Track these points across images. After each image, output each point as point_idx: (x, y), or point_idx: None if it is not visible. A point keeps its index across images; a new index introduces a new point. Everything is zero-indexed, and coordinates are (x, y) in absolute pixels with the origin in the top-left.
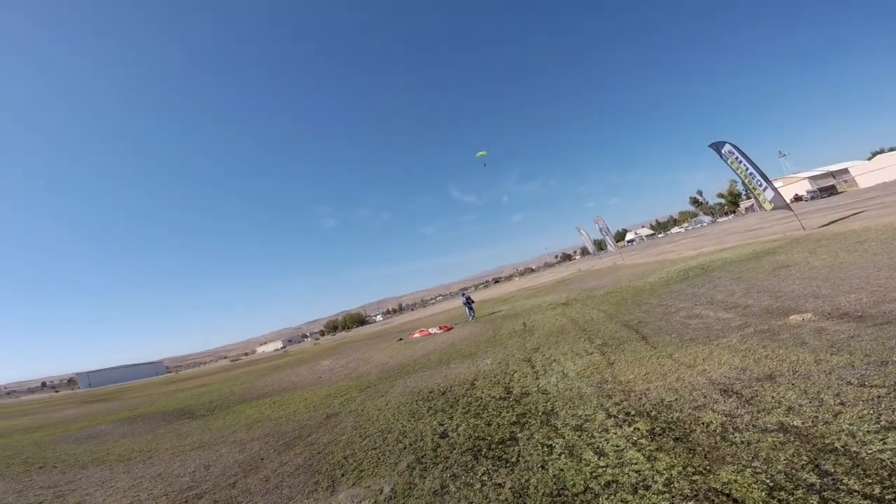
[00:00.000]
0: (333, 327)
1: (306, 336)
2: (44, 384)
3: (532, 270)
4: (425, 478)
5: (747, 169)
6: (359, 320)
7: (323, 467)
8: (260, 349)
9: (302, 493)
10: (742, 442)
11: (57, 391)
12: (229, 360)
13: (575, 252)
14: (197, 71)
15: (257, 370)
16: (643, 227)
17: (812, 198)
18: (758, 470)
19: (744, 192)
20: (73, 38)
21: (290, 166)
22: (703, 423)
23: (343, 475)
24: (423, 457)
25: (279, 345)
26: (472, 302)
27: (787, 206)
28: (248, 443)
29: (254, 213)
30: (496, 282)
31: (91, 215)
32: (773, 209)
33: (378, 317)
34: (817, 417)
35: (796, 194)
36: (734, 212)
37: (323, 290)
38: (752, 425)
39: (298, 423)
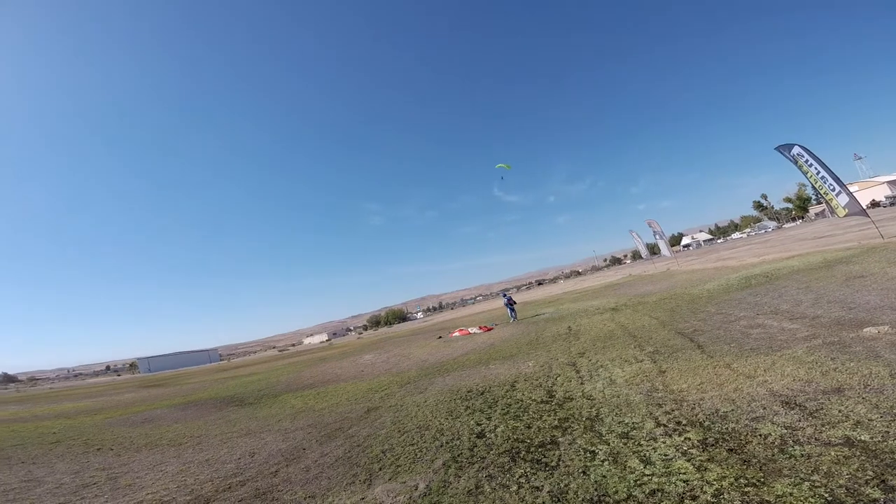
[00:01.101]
0: (376, 322)
1: (350, 330)
2: (108, 367)
3: (578, 273)
4: (460, 477)
5: (818, 172)
6: (400, 317)
7: (361, 460)
8: (307, 340)
9: (340, 485)
10: (802, 455)
11: (119, 375)
12: (278, 350)
13: (625, 256)
14: (282, 69)
15: (303, 361)
16: (701, 231)
17: (891, 203)
18: (816, 484)
19: (814, 197)
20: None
21: (345, 163)
22: (760, 435)
23: (380, 469)
24: (459, 455)
25: (325, 337)
26: (514, 303)
27: (864, 213)
28: (291, 432)
29: (309, 208)
30: (539, 284)
31: (155, 215)
32: (847, 215)
33: (418, 314)
34: (888, 432)
35: (873, 200)
36: (802, 217)
37: (367, 285)
38: (815, 438)
39: (340, 416)
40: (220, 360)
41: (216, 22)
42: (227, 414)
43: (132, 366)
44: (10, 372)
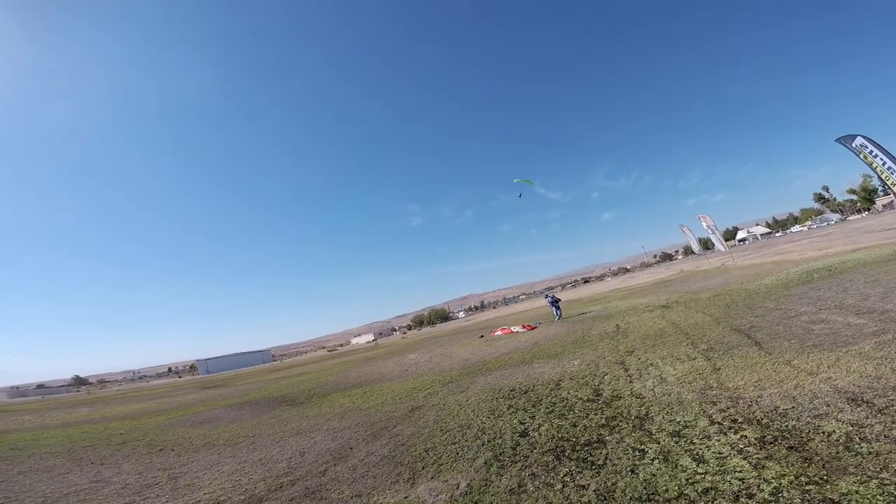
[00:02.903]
0: (419, 322)
1: (395, 330)
2: (169, 370)
3: (626, 270)
4: (503, 475)
5: (884, 163)
6: (442, 316)
7: (405, 459)
8: (354, 341)
9: (385, 484)
10: (870, 452)
11: (180, 376)
12: (327, 350)
13: (676, 252)
14: (323, 74)
15: (351, 361)
16: (757, 224)
17: None
18: (886, 481)
19: (881, 188)
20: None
21: (387, 164)
22: (823, 433)
23: (423, 468)
24: (501, 454)
25: (371, 337)
26: (559, 301)
27: None
28: (339, 431)
29: (355, 212)
30: (586, 282)
31: (215, 219)
32: None
33: (460, 313)
34: None
35: None
36: (868, 209)
37: (409, 285)
38: (884, 436)
39: (385, 415)
40: (274, 360)
41: (257, 23)
42: (279, 413)
43: (192, 367)
44: (82, 374)
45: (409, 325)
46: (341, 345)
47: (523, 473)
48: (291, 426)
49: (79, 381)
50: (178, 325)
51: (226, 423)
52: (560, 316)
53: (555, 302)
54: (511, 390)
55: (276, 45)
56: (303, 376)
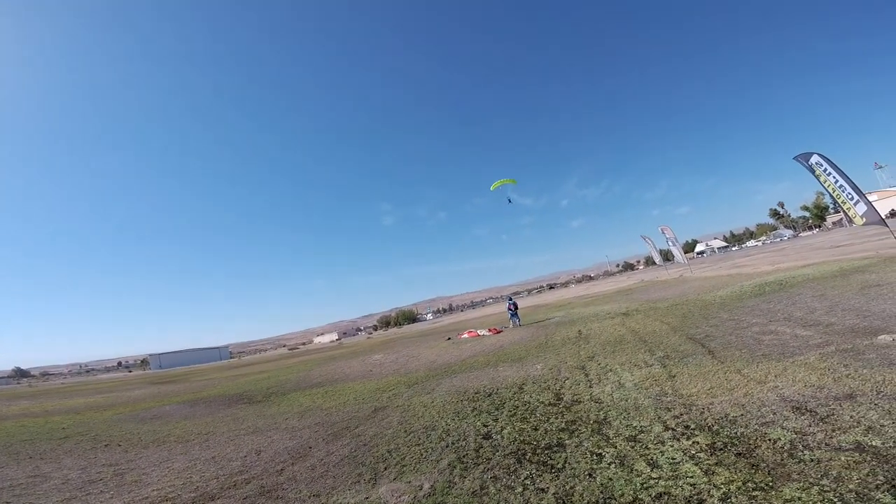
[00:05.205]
0: (386, 323)
1: (360, 330)
2: (120, 364)
3: (590, 278)
4: (465, 477)
5: (836, 181)
6: (410, 318)
7: (367, 459)
8: (317, 339)
9: (345, 484)
10: (811, 460)
11: (130, 371)
12: (288, 349)
13: (638, 262)
14: (294, 70)
15: (313, 360)
16: (715, 238)
17: None
18: (826, 488)
19: (832, 206)
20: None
21: (360, 163)
22: (769, 440)
23: (386, 469)
24: (464, 456)
25: (335, 336)
26: (517, 308)
27: (882, 222)
28: (298, 430)
29: (324, 207)
30: (551, 288)
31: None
32: (865, 224)
33: (428, 315)
34: None
35: (893, 209)
36: (819, 226)
37: (378, 285)
38: (825, 444)
39: (347, 415)
40: (231, 357)
41: (224, 20)
42: (235, 411)
43: (144, 362)
44: (24, 366)
45: (375, 326)
46: (303, 343)
47: (485, 476)
48: (248, 424)
49: (20, 373)
50: (131, 318)
51: (178, 419)
52: (518, 322)
53: (513, 308)
54: (476, 393)
55: (245, 42)
56: (262, 374)
